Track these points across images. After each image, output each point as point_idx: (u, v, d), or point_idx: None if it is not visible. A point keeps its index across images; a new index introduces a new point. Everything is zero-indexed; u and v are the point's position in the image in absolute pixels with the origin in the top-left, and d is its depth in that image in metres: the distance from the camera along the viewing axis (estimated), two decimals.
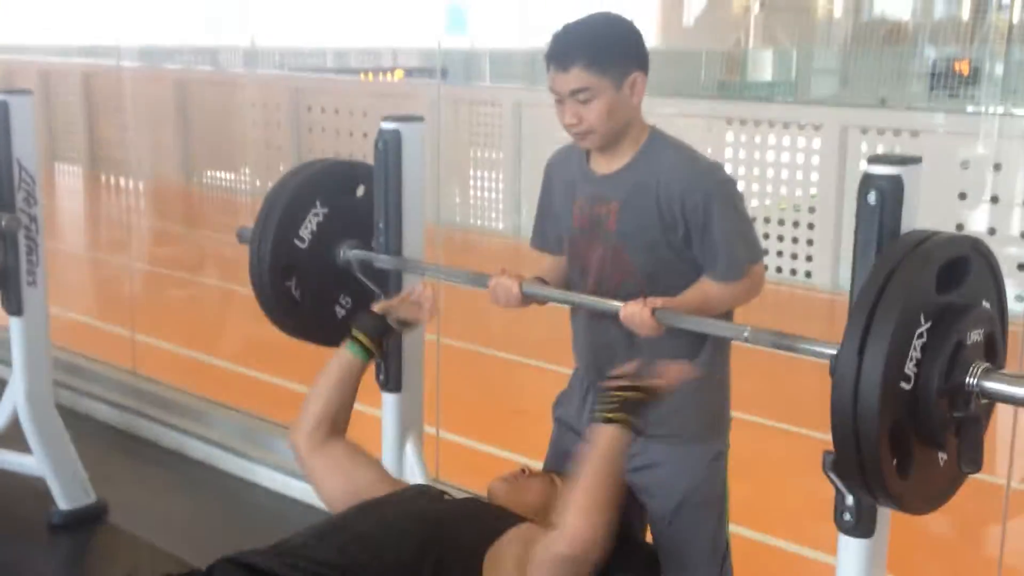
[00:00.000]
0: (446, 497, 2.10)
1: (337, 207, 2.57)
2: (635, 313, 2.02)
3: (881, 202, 1.68)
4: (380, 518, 1.94)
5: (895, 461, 1.57)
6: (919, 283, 1.56)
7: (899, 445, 1.57)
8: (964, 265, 1.66)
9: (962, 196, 6.69)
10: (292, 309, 2.55)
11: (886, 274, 1.55)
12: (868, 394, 1.51)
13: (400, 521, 1.93)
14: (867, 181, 1.70)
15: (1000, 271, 1.75)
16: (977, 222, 6.63)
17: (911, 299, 1.54)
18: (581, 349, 2.36)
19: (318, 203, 2.53)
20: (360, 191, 2.64)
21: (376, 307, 2.33)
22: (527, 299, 2.25)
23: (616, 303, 2.08)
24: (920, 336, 1.56)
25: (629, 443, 1.92)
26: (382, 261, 2.52)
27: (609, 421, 1.91)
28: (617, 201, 2.18)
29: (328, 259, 2.56)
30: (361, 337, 2.26)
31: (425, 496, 2.09)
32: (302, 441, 2.19)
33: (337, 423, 2.21)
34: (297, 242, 2.51)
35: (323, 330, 2.62)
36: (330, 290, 2.60)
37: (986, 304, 1.70)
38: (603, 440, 1.90)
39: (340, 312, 2.63)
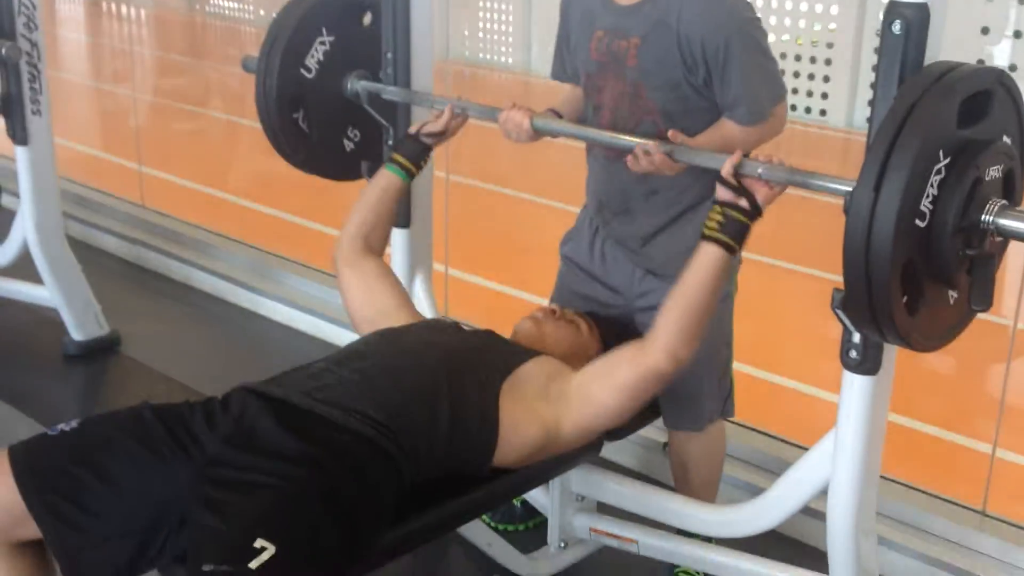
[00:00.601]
0: (464, 328, 2.11)
1: (343, 36, 2.50)
2: (649, 152, 1.95)
3: (906, 32, 1.61)
4: (399, 346, 1.96)
5: (905, 299, 1.56)
6: (940, 117, 1.52)
7: (910, 282, 1.55)
8: (987, 99, 1.61)
9: (984, 31, 6.52)
10: (300, 141, 2.51)
11: (907, 108, 1.51)
12: (882, 231, 1.48)
13: (418, 349, 1.94)
14: (892, 10, 1.63)
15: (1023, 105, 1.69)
16: (999, 58, 6.48)
17: (931, 135, 1.50)
18: (593, 189, 2.33)
19: (324, 31, 2.46)
20: (367, 19, 2.55)
21: (411, 128, 2.33)
22: (538, 133, 2.20)
23: (631, 139, 2.02)
24: (938, 172, 1.52)
25: (729, 264, 1.89)
26: (391, 93, 2.47)
27: (715, 241, 1.87)
28: (637, 36, 2.10)
29: (336, 90, 2.51)
30: (400, 159, 2.30)
31: (442, 327, 2.10)
32: (339, 253, 2.26)
33: (371, 240, 2.27)
34: (304, 72, 2.45)
35: (332, 163, 2.59)
36: (338, 122, 2.56)
37: (1007, 139, 1.66)
38: (707, 260, 1.87)
39: (348, 145, 2.59)
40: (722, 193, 1.87)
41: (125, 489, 1.65)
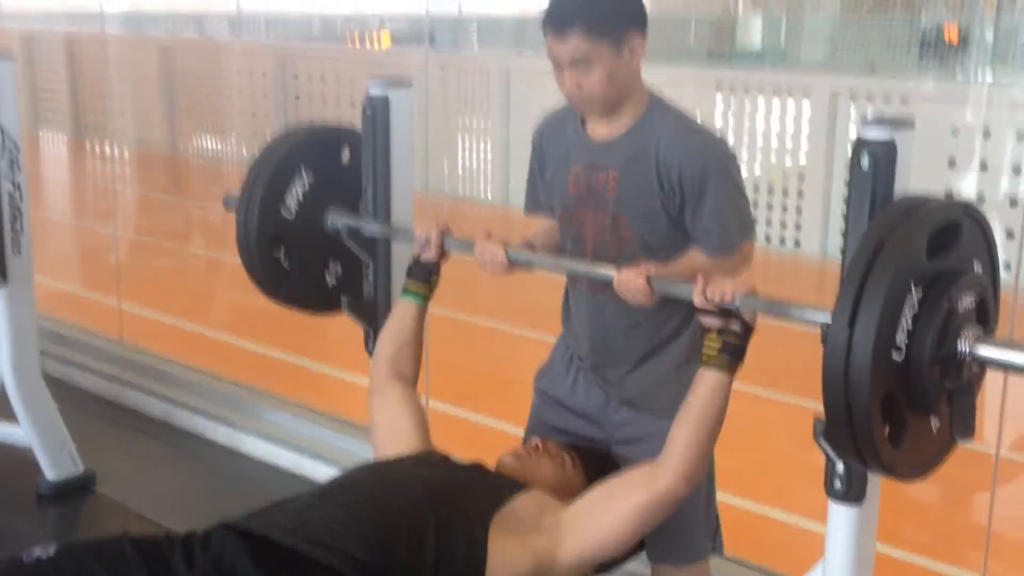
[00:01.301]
0: (452, 461, 2.09)
1: (322, 173, 2.53)
2: (630, 279, 1.99)
3: (874, 167, 1.66)
4: (385, 479, 1.94)
5: (887, 430, 1.56)
6: (910, 251, 1.54)
7: (891, 414, 1.56)
8: (956, 230, 1.64)
9: (951, 163, 6.69)
10: (281, 278, 2.52)
11: (876, 242, 1.54)
12: (859, 365, 1.50)
13: (406, 482, 1.93)
14: (860, 146, 1.68)
15: (992, 234, 1.72)
16: (966, 189, 6.64)
17: (902, 268, 1.53)
18: (575, 323, 2.33)
19: (303, 170, 2.49)
20: (345, 156, 2.59)
21: (413, 253, 2.37)
22: (513, 265, 2.23)
23: (608, 271, 2.05)
24: (911, 306, 1.55)
25: (730, 387, 1.92)
26: (370, 229, 2.49)
27: (715, 366, 1.90)
28: (616, 169, 2.15)
29: (316, 226, 2.53)
30: (412, 286, 2.36)
31: (432, 460, 2.09)
32: (371, 383, 2.33)
33: (399, 367, 2.32)
34: (283, 211, 2.48)
35: (313, 297, 2.59)
36: (319, 258, 2.57)
37: (978, 268, 1.69)
38: (709, 384, 1.91)
39: (330, 280, 2.60)
40: (708, 320, 1.90)
41: None
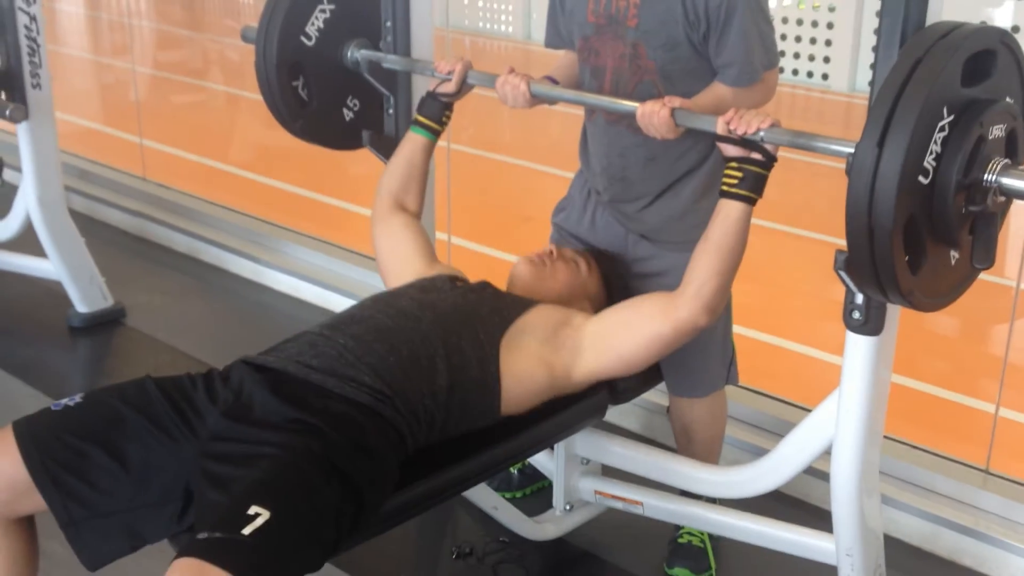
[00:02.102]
0: (458, 284, 2.11)
1: (344, 4, 2.48)
2: (653, 112, 1.95)
3: None
4: (393, 308, 1.95)
5: (907, 258, 1.56)
6: (944, 75, 1.51)
7: (912, 241, 1.55)
8: (991, 58, 1.60)
9: None
10: (299, 110, 2.50)
11: (911, 65, 1.50)
12: (885, 188, 1.48)
13: (413, 311, 1.94)
14: None
15: None
16: (1001, 19, 6.44)
17: (935, 91, 1.49)
18: (592, 153, 2.32)
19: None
20: None
21: (429, 88, 2.33)
22: (535, 99, 2.20)
23: (630, 103, 2.02)
24: (942, 129, 1.52)
25: (750, 218, 1.91)
26: (391, 61, 2.46)
27: (736, 196, 1.89)
28: None
29: (335, 58, 2.50)
30: (423, 119, 2.33)
31: (437, 285, 2.09)
32: (373, 216, 2.32)
33: (403, 202, 2.31)
34: (304, 39, 2.44)
35: (331, 131, 2.58)
36: (338, 91, 2.55)
37: (1010, 100, 1.66)
38: (730, 215, 1.90)
39: (348, 114, 2.58)
40: (730, 150, 1.89)
41: (131, 464, 1.66)
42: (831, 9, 7.73)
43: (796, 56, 7.87)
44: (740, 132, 1.85)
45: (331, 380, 1.76)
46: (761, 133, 1.84)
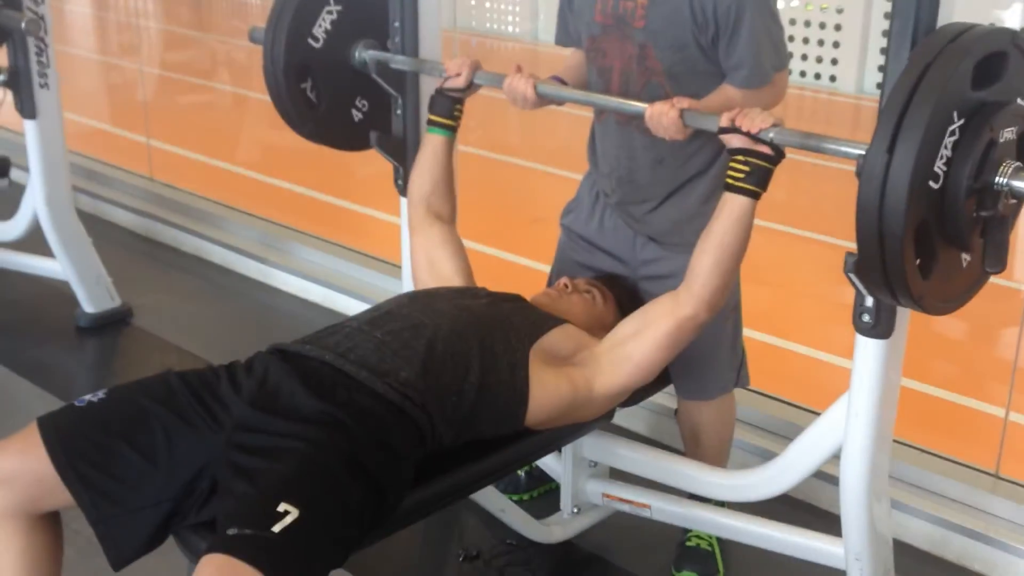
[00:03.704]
0: (493, 292, 2.12)
1: (351, 5, 2.48)
2: (662, 113, 1.94)
3: None
4: (430, 309, 1.97)
5: (918, 262, 1.56)
6: (954, 78, 1.50)
7: (923, 245, 1.55)
8: (1002, 61, 1.59)
9: None
10: (309, 112, 2.49)
11: (921, 68, 1.49)
12: (896, 192, 1.47)
13: (450, 312, 1.96)
14: None
15: None
16: (1010, 22, 6.42)
17: (945, 96, 1.49)
18: (601, 156, 2.32)
19: (331, 0, 2.45)
20: None
21: (437, 86, 2.32)
22: (542, 99, 2.19)
23: (639, 104, 2.02)
24: (952, 133, 1.51)
25: (754, 213, 1.90)
26: (399, 62, 2.45)
27: (740, 191, 1.88)
28: None
29: (343, 59, 2.49)
30: (435, 118, 2.32)
31: (473, 292, 2.12)
32: (409, 220, 2.33)
33: (434, 205, 2.31)
34: (311, 41, 2.44)
35: (340, 132, 2.57)
36: (346, 92, 2.54)
37: (1021, 102, 1.65)
38: (735, 209, 1.89)
39: (357, 115, 2.58)
40: (734, 140, 1.87)
41: (158, 459, 1.66)
42: (839, 11, 7.72)
43: (804, 57, 7.86)
44: (745, 130, 1.84)
45: (364, 372, 1.77)
46: (771, 134, 1.83)
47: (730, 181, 1.89)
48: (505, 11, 9.85)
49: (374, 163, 2.57)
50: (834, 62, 7.78)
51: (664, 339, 1.96)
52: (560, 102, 2.23)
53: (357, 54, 2.49)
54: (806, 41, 7.86)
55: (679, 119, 1.93)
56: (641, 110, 1.99)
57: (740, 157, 1.87)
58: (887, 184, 1.48)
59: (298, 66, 2.43)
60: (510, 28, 9.80)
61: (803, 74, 7.85)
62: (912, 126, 1.47)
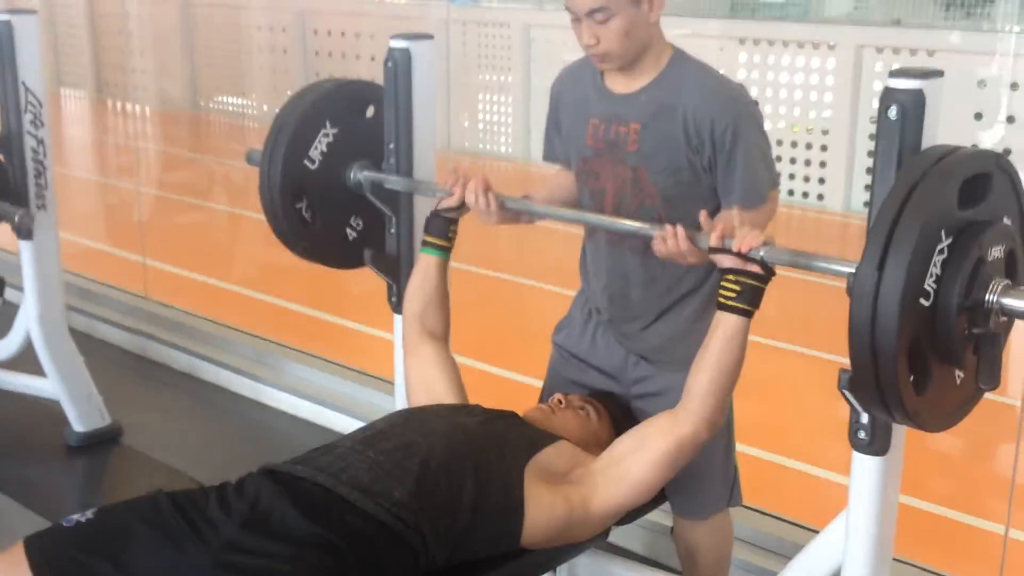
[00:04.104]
0: (487, 409, 2.12)
1: (347, 128, 2.53)
2: (672, 235, 1.95)
3: (902, 117, 1.64)
4: (424, 427, 1.96)
5: (912, 378, 1.56)
6: (941, 198, 1.53)
7: (917, 362, 1.56)
8: (986, 181, 1.63)
9: (978, 116, 6.61)
10: (303, 231, 2.52)
11: (908, 189, 1.52)
12: (887, 311, 1.49)
13: (444, 430, 1.95)
14: (888, 95, 1.66)
15: (1022, 187, 1.71)
16: (992, 142, 6.56)
17: (932, 215, 1.52)
18: (593, 274, 2.33)
19: (328, 124, 2.49)
20: (370, 112, 2.59)
21: (432, 208, 2.35)
22: (508, 211, 2.22)
23: (630, 223, 2.04)
24: (940, 252, 1.54)
25: (747, 331, 1.91)
26: (393, 182, 2.49)
27: (734, 310, 1.89)
28: (638, 122, 2.13)
29: (338, 180, 2.53)
30: (430, 239, 2.34)
31: (467, 409, 2.12)
32: (403, 340, 2.34)
33: (428, 324, 2.32)
34: (307, 163, 2.48)
35: (334, 251, 2.60)
36: (341, 211, 2.57)
37: (1007, 221, 1.68)
38: (728, 328, 1.90)
39: (351, 234, 2.60)
40: (725, 261, 1.88)
41: None
42: (824, 132, 7.88)
43: (792, 177, 7.98)
44: (735, 249, 1.86)
45: (356, 493, 1.75)
46: (761, 252, 1.85)
47: (722, 300, 1.90)
48: (498, 132, 10.03)
49: (368, 280, 2.59)
50: (821, 181, 7.90)
51: (663, 457, 1.94)
52: (529, 216, 2.25)
53: (352, 175, 2.53)
54: (793, 161, 8.00)
55: (689, 243, 1.94)
56: (634, 229, 2.02)
57: (731, 276, 1.88)
58: (878, 301, 1.49)
59: (293, 187, 2.47)
60: (503, 148, 9.97)
61: (791, 192, 7.97)
62: (901, 244, 1.49)
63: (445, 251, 2.35)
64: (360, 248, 2.57)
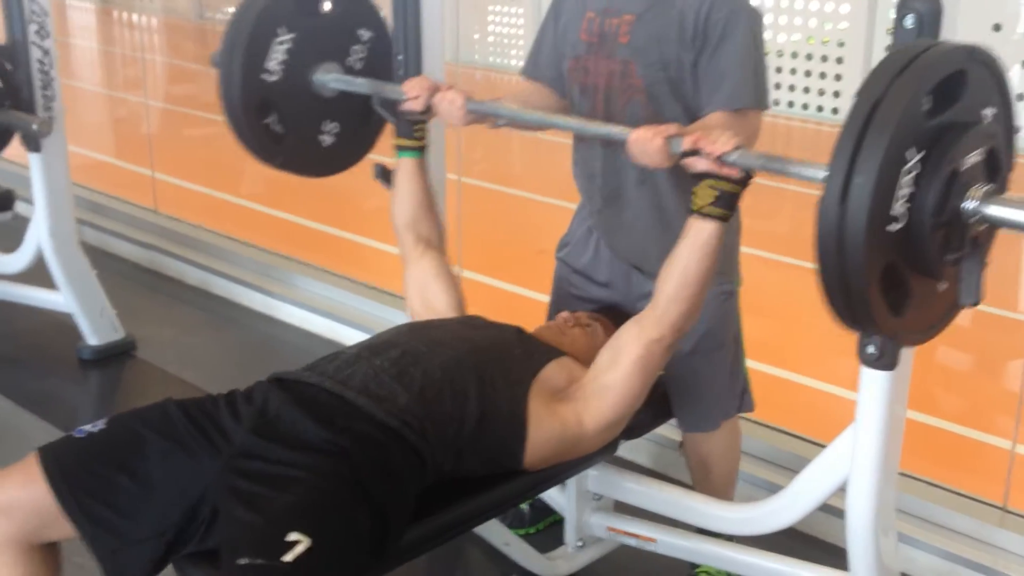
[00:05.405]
0: (493, 323, 2.12)
1: (303, 30, 2.38)
2: (646, 140, 1.87)
3: (919, 26, 1.60)
4: (431, 338, 1.96)
5: (889, 299, 1.51)
6: (907, 111, 1.43)
7: (893, 285, 1.51)
8: (959, 79, 1.52)
9: (996, 27, 6.49)
10: (276, 147, 2.42)
11: (869, 107, 1.42)
12: (853, 245, 1.41)
13: (450, 342, 1.95)
14: (905, 4, 1.61)
15: (1004, 75, 1.61)
16: (1013, 54, 6.45)
17: (897, 132, 1.41)
18: (587, 172, 2.29)
19: (282, 30, 2.35)
20: (327, 6, 2.45)
21: (400, 109, 2.30)
22: (472, 114, 2.17)
23: (611, 128, 1.98)
24: (908, 172, 1.45)
25: (723, 235, 1.87)
26: (359, 85, 2.40)
27: (707, 216, 1.85)
28: (632, 13, 2.08)
29: (304, 87, 2.42)
30: (401, 142, 2.31)
31: (474, 323, 2.12)
32: (402, 253, 2.30)
33: (422, 232, 2.30)
34: (266, 76, 2.35)
35: (313, 161, 2.52)
36: (312, 119, 2.47)
37: (989, 111, 1.58)
38: (700, 235, 1.86)
39: (327, 139, 2.51)
40: (699, 164, 1.81)
41: (157, 488, 1.66)
42: (840, 44, 7.76)
43: (806, 90, 7.89)
44: (707, 151, 1.79)
45: (362, 399, 1.77)
46: (734, 156, 1.77)
47: (695, 206, 1.85)
48: (508, 45, 9.90)
49: (378, 195, 2.57)
50: (836, 95, 7.81)
51: (635, 365, 1.94)
52: (493, 120, 2.20)
53: (317, 79, 2.44)
54: (808, 74, 7.89)
55: (665, 146, 1.86)
56: (607, 132, 1.98)
57: (708, 181, 1.83)
58: (843, 236, 1.43)
59: (258, 104, 2.36)
60: (513, 61, 9.85)
61: (805, 106, 7.88)
62: (863, 172, 1.40)
63: (418, 151, 2.31)
64: (338, 153, 2.52)
